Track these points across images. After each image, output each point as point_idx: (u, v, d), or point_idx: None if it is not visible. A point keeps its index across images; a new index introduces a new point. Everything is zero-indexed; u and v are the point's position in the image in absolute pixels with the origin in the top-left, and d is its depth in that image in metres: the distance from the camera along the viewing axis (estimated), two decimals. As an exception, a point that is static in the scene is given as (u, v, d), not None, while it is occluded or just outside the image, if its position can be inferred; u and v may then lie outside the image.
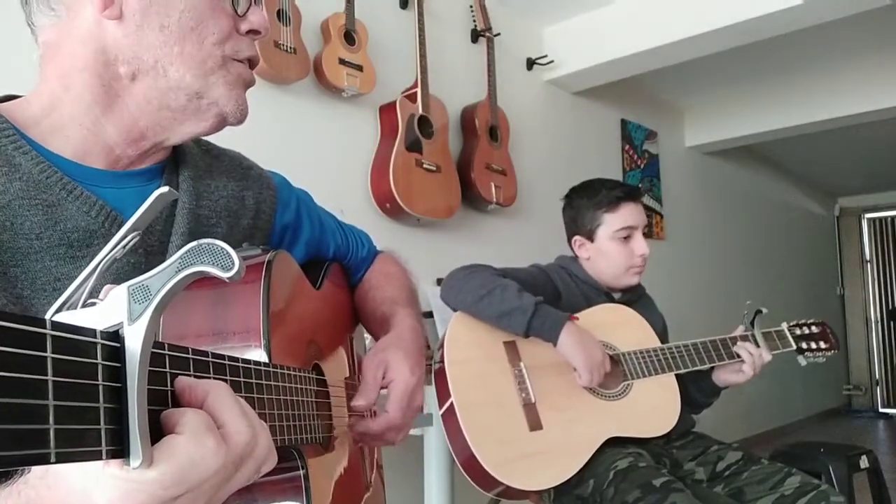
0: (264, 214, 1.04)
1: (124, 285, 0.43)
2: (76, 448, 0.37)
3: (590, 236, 2.12)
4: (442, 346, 1.84)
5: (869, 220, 8.57)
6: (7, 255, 0.76)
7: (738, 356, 2.03)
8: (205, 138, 1.00)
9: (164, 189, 0.49)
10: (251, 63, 0.91)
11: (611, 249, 2.08)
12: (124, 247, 0.49)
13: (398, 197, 2.80)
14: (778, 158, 6.74)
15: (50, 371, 0.36)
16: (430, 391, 1.85)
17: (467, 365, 1.82)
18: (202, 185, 0.95)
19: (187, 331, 0.75)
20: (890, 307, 8.38)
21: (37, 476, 0.49)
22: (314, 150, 2.74)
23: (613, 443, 1.84)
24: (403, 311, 1.14)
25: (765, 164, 6.72)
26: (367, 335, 1.27)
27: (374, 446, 1.11)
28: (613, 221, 2.08)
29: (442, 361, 1.81)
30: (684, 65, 3.91)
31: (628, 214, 2.09)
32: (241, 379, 0.60)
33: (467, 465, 1.74)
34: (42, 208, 0.78)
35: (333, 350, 1.05)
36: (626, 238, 2.08)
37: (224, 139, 1.00)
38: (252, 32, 0.90)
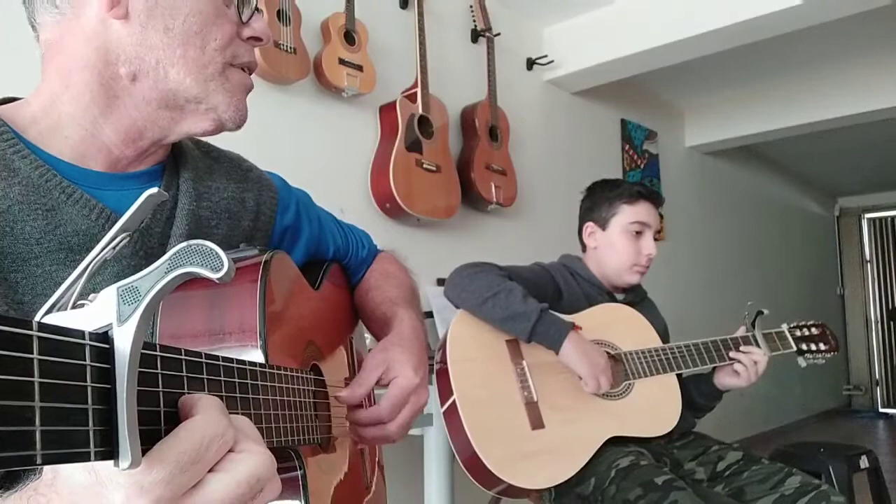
0: (264, 216, 1.03)
1: (113, 286, 0.43)
2: (63, 450, 0.37)
3: (603, 225, 2.13)
4: (444, 345, 1.84)
5: (869, 220, 8.57)
6: (7, 261, 0.75)
7: (737, 360, 2.03)
8: (205, 140, 1.00)
9: (154, 190, 0.49)
10: (248, 69, 0.91)
11: (620, 242, 2.09)
12: (114, 248, 0.48)
13: (398, 197, 2.80)
14: (778, 158, 6.74)
15: (36, 373, 0.36)
16: (431, 390, 1.85)
17: (470, 363, 1.82)
18: (203, 186, 0.94)
19: (184, 331, 0.75)
20: (890, 307, 8.39)
21: (46, 483, 0.49)
22: (314, 150, 2.74)
23: (614, 442, 1.84)
24: (404, 311, 1.14)
25: (765, 164, 6.72)
26: (367, 335, 1.27)
27: (370, 443, 1.10)
28: (629, 213, 2.09)
29: (443, 360, 1.81)
30: (684, 65, 3.91)
31: (645, 211, 2.10)
32: (236, 380, 0.60)
33: (469, 463, 1.74)
34: (42, 212, 0.77)
35: (333, 351, 1.05)
36: (637, 234, 2.09)
37: (224, 139, 1.00)
38: (253, 39, 0.90)
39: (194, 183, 0.93)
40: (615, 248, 2.10)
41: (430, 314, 2.75)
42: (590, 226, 2.16)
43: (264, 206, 1.04)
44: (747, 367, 2.01)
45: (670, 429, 1.93)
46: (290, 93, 2.63)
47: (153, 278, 0.43)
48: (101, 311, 0.42)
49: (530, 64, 3.88)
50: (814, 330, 2.20)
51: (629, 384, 1.94)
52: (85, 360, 0.39)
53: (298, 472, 0.76)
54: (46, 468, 0.48)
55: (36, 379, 0.35)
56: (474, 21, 3.49)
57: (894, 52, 4.42)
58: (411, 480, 2.19)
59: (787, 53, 4.38)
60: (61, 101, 0.82)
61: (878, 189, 8.15)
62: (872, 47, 4.37)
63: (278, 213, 1.07)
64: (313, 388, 0.85)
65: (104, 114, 0.82)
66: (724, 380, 2.07)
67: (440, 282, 2.89)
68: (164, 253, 0.86)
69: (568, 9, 3.78)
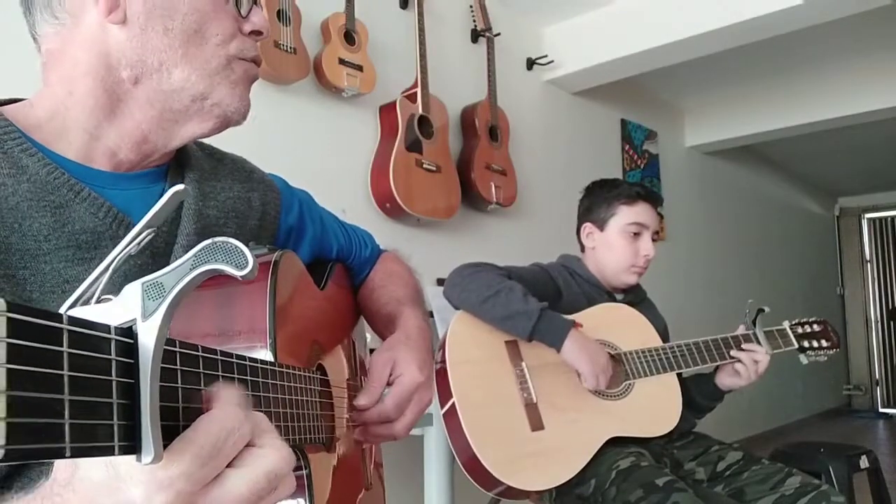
0: (269, 217, 1.04)
1: (138, 282, 0.43)
2: (90, 443, 0.37)
3: (601, 225, 2.12)
4: (443, 345, 1.84)
5: (869, 220, 8.58)
6: (16, 258, 0.75)
7: (738, 359, 2.03)
8: (207, 142, 1.00)
9: (180, 187, 0.49)
10: (255, 63, 0.91)
11: (617, 243, 2.09)
12: (139, 244, 0.49)
13: (398, 197, 2.80)
14: (778, 158, 6.75)
15: (66, 366, 0.36)
16: (431, 391, 1.85)
17: (469, 365, 1.82)
18: (208, 186, 0.95)
19: (193, 330, 0.75)
20: (890, 307, 8.39)
21: (61, 483, 0.49)
22: (314, 150, 2.74)
23: (615, 442, 1.83)
24: (409, 310, 1.14)
25: (765, 164, 6.72)
26: (368, 334, 1.28)
27: (375, 441, 1.11)
28: (628, 214, 2.09)
29: (443, 361, 1.81)
30: (684, 65, 3.91)
31: (643, 212, 2.10)
32: (248, 378, 0.60)
33: (469, 465, 1.74)
34: (50, 210, 0.77)
35: (336, 350, 1.05)
36: (636, 235, 2.08)
37: (224, 139, 1.00)
38: (254, 33, 0.90)
39: (199, 183, 0.93)
40: (613, 249, 2.10)
41: (429, 314, 2.75)
42: (588, 226, 2.16)
43: (269, 207, 1.04)
44: (747, 365, 2.01)
45: (671, 428, 1.93)
46: (290, 93, 2.63)
47: (178, 274, 0.43)
48: (125, 306, 0.42)
49: (530, 64, 3.88)
50: (815, 327, 2.20)
51: (629, 384, 1.94)
52: (110, 355, 0.40)
53: (304, 472, 0.77)
54: (60, 467, 0.48)
55: (66, 372, 0.36)
56: (474, 21, 3.49)
57: (894, 52, 4.42)
58: (411, 480, 2.19)
59: (787, 53, 4.38)
60: (65, 108, 0.82)
61: (878, 189, 8.15)
62: (872, 47, 4.38)
63: (282, 213, 1.07)
64: (319, 388, 0.86)
65: (108, 118, 0.83)
66: (725, 380, 2.06)
67: (440, 282, 2.89)
68: (169, 252, 0.88)
69: (568, 9, 3.78)
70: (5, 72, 1.55)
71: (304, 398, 0.77)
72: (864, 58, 4.53)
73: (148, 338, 0.41)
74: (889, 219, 8.48)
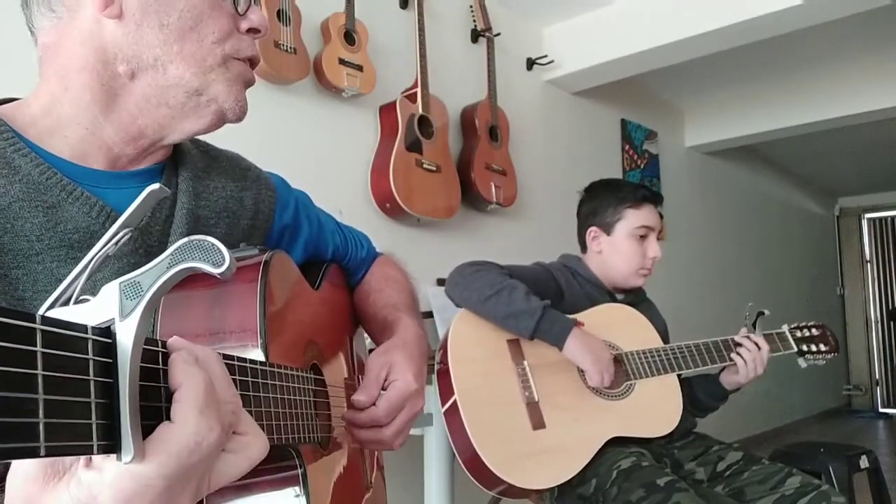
0: (263, 215, 1.04)
1: (116, 282, 0.43)
2: (67, 442, 0.37)
3: (608, 229, 2.12)
4: (444, 344, 1.84)
5: (869, 220, 8.57)
6: (8, 258, 0.76)
7: (740, 354, 2.03)
8: (204, 139, 1.00)
9: (155, 186, 0.49)
10: (252, 62, 0.91)
11: (625, 246, 2.09)
12: (116, 244, 0.48)
13: (398, 197, 2.80)
14: (778, 158, 6.74)
15: (40, 365, 0.36)
16: (431, 390, 1.85)
17: (471, 363, 1.82)
18: (201, 185, 0.95)
19: (184, 330, 0.75)
20: (890, 307, 8.38)
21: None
22: (314, 150, 2.74)
23: (615, 442, 1.84)
24: (407, 317, 1.13)
25: (765, 164, 6.72)
26: (367, 335, 1.27)
27: (366, 446, 1.10)
28: (635, 218, 2.09)
29: (444, 361, 1.81)
30: (684, 65, 3.91)
31: (649, 215, 2.10)
32: (237, 377, 0.60)
33: (470, 463, 1.74)
34: (42, 210, 0.77)
35: (333, 351, 1.05)
36: (642, 238, 2.08)
37: (224, 139, 1.00)
38: (252, 31, 0.90)
39: (193, 182, 0.93)
40: (620, 253, 2.09)
41: (429, 314, 2.75)
42: (593, 230, 2.15)
43: (262, 205, 1.04)
44: (751, 350, 2.00)
45: (671, 429, 1.93)
46: (290, 93, 2.63)
47: (155, 273, 0.43)
48: (103, 306, 0.42)
49: (530, 64, 3.88)
50: (814, 331, 2.20)
51: (630, 384, 1.94)
52: (87, 354, 0.39)
53: (299, 471, 0.76)
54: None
55: (39, 372, 0.35)
56: (474, 21, 3.49)
57: (894, 52, 4.42)
58: (411, 480, 2.19)
59: (787, 53, 4.38)
60: (61, 103, 0.82)
61: (878, 189, 8.15)
62: (872, 47, 4.37)
63: (277, 211, 1.07)
64: (313, 388, 0.85)
65: (104, 113, 0.83)
66: (727, 378, 2.07)
67: (440, 282, 2.89)
68: (164, 251, 0.87)
69: (568, 9, 3.78)
70: (5, 72, 1.56)
71: (297, 398, 0.77)
72: (864, 58, 4.53)
73: (126, 337, 0.41)
74: (889, 219, 8.47)
